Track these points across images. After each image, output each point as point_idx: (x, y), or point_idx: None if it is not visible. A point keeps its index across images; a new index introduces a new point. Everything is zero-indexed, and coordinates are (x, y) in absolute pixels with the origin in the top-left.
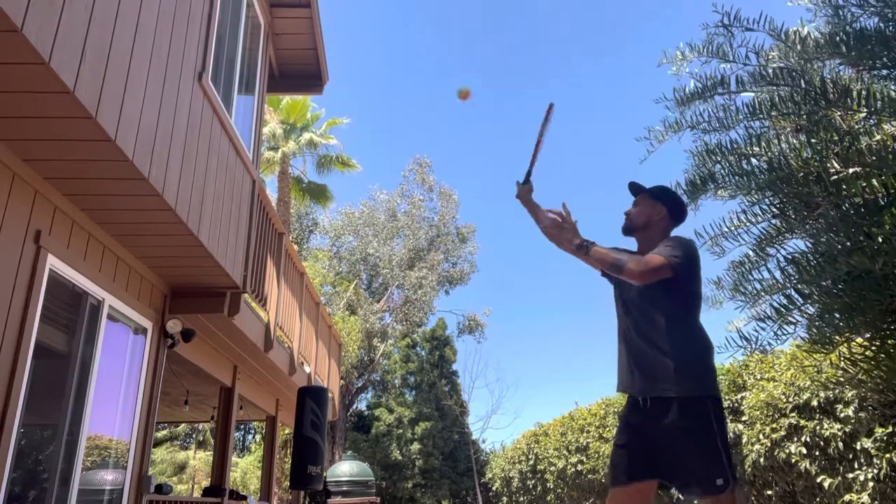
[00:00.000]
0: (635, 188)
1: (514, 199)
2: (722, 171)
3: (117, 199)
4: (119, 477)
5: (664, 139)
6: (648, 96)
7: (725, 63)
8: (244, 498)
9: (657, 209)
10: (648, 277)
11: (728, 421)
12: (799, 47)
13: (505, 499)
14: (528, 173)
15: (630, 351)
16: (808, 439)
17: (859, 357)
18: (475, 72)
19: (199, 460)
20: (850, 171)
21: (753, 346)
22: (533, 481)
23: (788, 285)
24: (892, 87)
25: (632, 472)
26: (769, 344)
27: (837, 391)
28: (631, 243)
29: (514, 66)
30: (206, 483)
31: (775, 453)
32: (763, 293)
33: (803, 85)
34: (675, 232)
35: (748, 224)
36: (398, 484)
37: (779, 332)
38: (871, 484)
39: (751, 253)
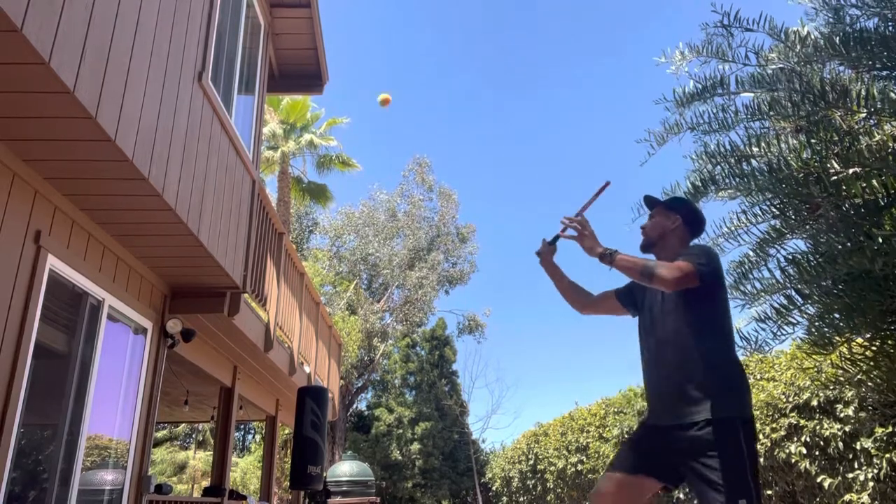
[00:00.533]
0: (650, 202)
1: (540, 251)
2: (722, 173)
3: (117, 199)
4: (119, 477)
5: (664, 141)
6: (649, 97)
7: (725, 63)
8: (244, 498)
9: (672, 219)
10: (681, 283)
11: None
12: (798, 48)
13: (505, 499)
14: (557, 237)
15: (658, 377)
16: (808, 439)
17: (859, 357)
18: (475, 71)
19: (199, 460)
20: (850, 171)
21: (753, 345)
22: (533, 481)
23: (788, 285)
24: (892, 88)
25: (638, 466)
26: (766, 343)
27: (837, 391)
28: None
29: (515, 65)
30: (206, 483)
31: (775, 453)
32: (763, 293)
33: (803, 86)
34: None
35: (748, 225)
36: (398, 484)
37: (778, 333)
38: (871, 484)
39: (751, 253)
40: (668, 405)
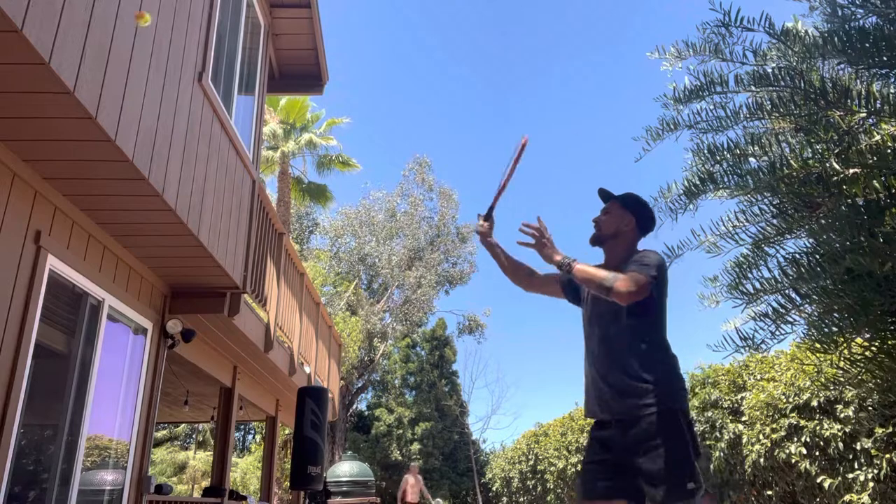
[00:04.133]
0: (605, 195)
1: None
2: (721, 171)
3: (117, 200)
4: (119, 477)
5: (660, 137)
6: (652, 96)
7: (723, 62)
8: (244, 498)
9: (626, 220)
10: (633, 297)
11: (696, 426)
12: (798, 46)
13: (505, 499)
14: (491, 208)
15: (597, 371)
16: (808, 439)
17: (859, 357)
18: (475, 71)
19: (199, 460)
20: (850, 171)
21: (751, 345)
22: (533, 481)
23: (787, 285)
24: (892, 87)
25: (604, 489)
26: (764, 343)
27: (837, 391)
28: (597, 253)
29: (515, 65)
30: (206, 483)
31: (775, 453)
32: (762, 292)
33: (803, 85)
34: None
35: (747, 224)
36: (398, 484)
37: (777, 332)
38: (871, 484)
39: (749, 253)
40: (608, 398)
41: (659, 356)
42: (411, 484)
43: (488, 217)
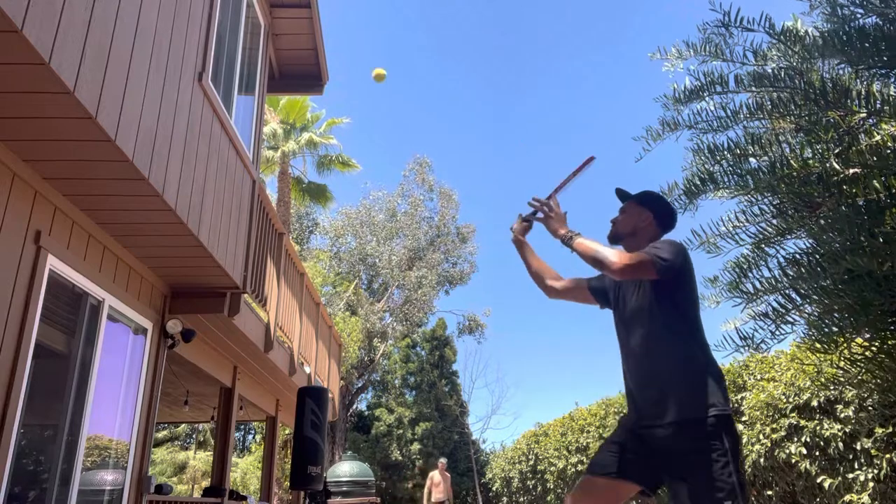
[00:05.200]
0: (622, 195)
1: (510, 228)
2: (721, 171)
3: (117, 200)
4: (119, 477)
5: (660, 137)
6: (649, 96)
7: (723, 62)
8: (244, 498)
9: (644, 216)
10: (628, 272)
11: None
12: (797, 47)
13: (505, 499)
14: (533, 215)
15: (634, 374)
16: (808, 439)
17: (859, 357)
18: (475, 71)
19: (199, 460)
20: (851, 171)
21: (751, 344)
22: (533, 481)
23: (787, 285)
24: (892, 87)
25: (617, 470)
26: (764, 342)
27: (837, 391)
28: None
29: (515, 64)
30: (206, 483)
31: (775, 453)
32: (762, 292)
33: (803, 85)
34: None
35: (747, 224)
36: (398, 484)
37: (777, 332)
38: (871, 484)
39: (749, 253)
40: (647, 404)
41: (694, 357)
42: (436, 483)
43: (528, 220)
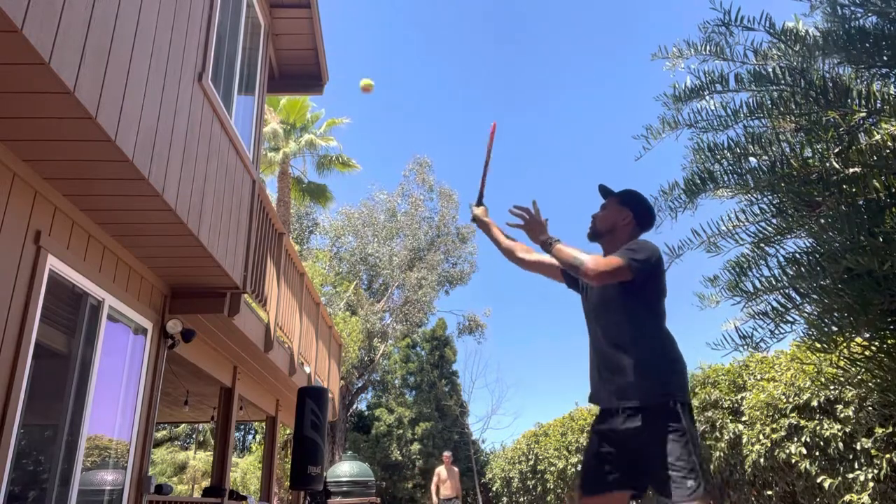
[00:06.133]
0: (605, 191)
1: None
2: (721, 170)
3: (117, 200)
4: (119, 477)
5: (660, 136)
6: (649, 95)
7: (723, 61)
8: (244, 498)
9: (623, 214)
10: (605, 278)
11: (696, 423)
12: (798, 46)
13: (505, 499)
14: (481, 195)
15: (598, 360)
16: (808, 439)
17: (859, 357)
18: (475, 71)
19: (199, 460)
20: (850, 171)
21: (750, 343)
22: (533, 481)
23: (787, 284)
24: (893, 87)
25: (605, 483)
26: (763, 341)
27: (837, 391)
28: (598, 249)
29: (515, 65)
30: (206, 483)
31: (775, 453)
32: (762, 291)
33: (803, 84)
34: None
35: (747, 223)
36: (398, 484)
37: (776, 331)
38: (871, 484)
39: (749, 252)
40: (610, 388)
41: (655, 345)
42: (443, 479)
43: (479, 203)
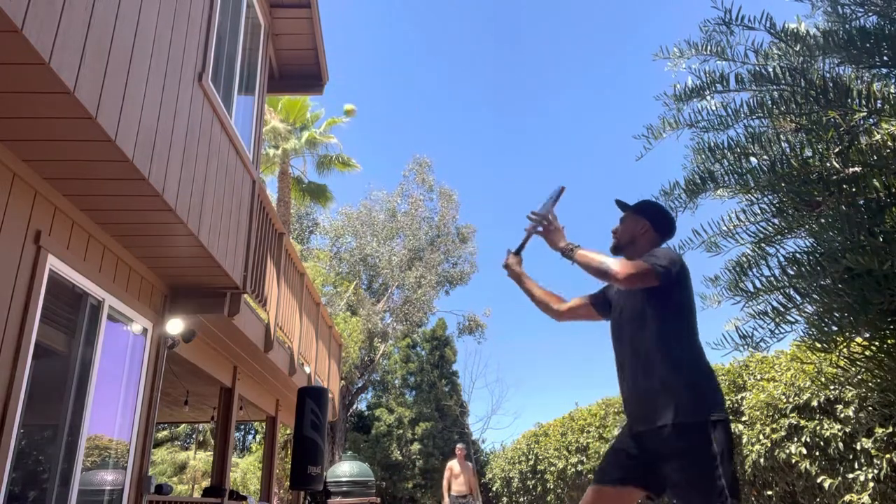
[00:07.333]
0: (622, 205)
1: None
2: (722, 170)
3: (117, 200)
4: (119, 477)
5: (661, 136)
6: (650, 96)
7: (724, 61)
8: (244, 498)
9: (640, 224)
10: (633, 281)
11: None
12: (798, 46)
13: (505, 499)
14: (522, 245)
15: (629, 381)
16: (808, 439)
17: (859, 357)
18: (475, 71)
19: (199, 460)
20: (851, 170)
21: (750, 343)
22: (533, 482)
23: (787, 284)
24: (893, 87)
25: (623, 477)
26: (764, 341)
27: (837, 391)
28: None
29: (516, 66)
30: (206, 483)
31: (775, 453)
32: (762, 291)
33: (803, 83)
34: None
35: (747, 223)
36: (398, 484)
37: (776, 331)
38: (871, 484)
39: (749, 252)
40: (639, 410)
41: (687, 362)
42: (455, 473)
43: (517, 253)
